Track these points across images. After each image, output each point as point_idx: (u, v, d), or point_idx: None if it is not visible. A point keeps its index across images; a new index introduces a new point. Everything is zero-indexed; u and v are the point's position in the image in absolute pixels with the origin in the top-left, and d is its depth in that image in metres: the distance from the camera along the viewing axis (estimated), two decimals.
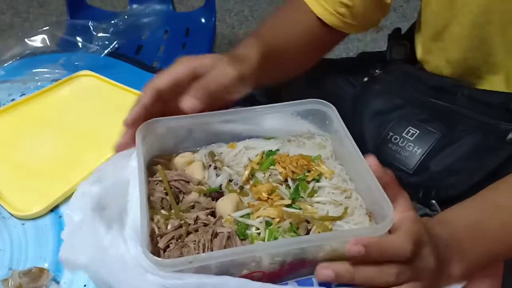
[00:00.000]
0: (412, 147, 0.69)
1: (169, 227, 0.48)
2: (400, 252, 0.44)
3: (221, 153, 0.58)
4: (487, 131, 0.67)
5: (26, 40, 0.91)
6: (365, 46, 2.21)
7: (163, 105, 0.57)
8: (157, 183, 0.53)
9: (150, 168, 0.55)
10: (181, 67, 0.57)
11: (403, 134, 0.71)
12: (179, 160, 0.57)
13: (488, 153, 0.66)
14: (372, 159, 0.49)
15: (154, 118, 0.55)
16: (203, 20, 1.63)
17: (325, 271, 0.44)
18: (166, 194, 0.51)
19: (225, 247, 0.46)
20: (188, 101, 0.55)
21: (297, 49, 0.77)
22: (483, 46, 0.69)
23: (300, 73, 0.81)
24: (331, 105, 0.57)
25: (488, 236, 0.54)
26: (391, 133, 0.71)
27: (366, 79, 0.81)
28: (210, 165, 0.56)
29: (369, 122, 0.75)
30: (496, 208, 0.56)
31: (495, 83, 0.71)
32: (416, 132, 0.70)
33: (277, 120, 0.59)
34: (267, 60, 0.65)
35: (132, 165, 0.52)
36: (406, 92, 0.75)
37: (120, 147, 0.56)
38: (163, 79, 0.56)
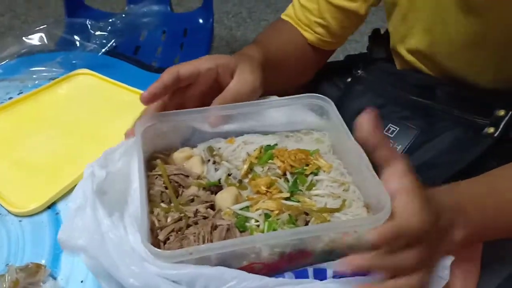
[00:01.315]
0: (392, 144, 0.71)
1: (169, 220, 0.48)
2: (413, 231, 0.43)
3: (220, 148, 0.58)
4: (465, 127, 0.68)
5: (23, 38, 0.91)
6: (362, 47, 2.21)
7: (179, 96, 0.58)
8: (157, 177, 0.53)
9: (150, 163, 0.55)
10: (205, 62, 0.59)
11: (384, 132, 0.71)
12: (178, 155, 0.57)
13: (466, 148, 0.67)
14: (367, 117, 0.48)
15: (154, 113, 0.56)
16: (200, 21, 1.64)
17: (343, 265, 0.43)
18: (166, 188, 0.51)
19: (224, 239, 0.46)
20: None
21: (292, 57, 0.80)
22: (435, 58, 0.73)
23: (297, 82, 0.83)
24: (329, 99, 0.57)
25: (493, 208, 0.54)
26: None
27: (349, 79, 0.83)
28: (209, 160, 0.56)
29: (352, 122, 0.76)
30: (504, 188, 0.56)
31: None
32: (396, 129, 0.72)
33: (276, 114, 0.59)
34: (267, 66, 0.66)
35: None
36: (387, 91, 0.77)
37: (131, 133, 0.55)
38: (185, 66, 0.58)
